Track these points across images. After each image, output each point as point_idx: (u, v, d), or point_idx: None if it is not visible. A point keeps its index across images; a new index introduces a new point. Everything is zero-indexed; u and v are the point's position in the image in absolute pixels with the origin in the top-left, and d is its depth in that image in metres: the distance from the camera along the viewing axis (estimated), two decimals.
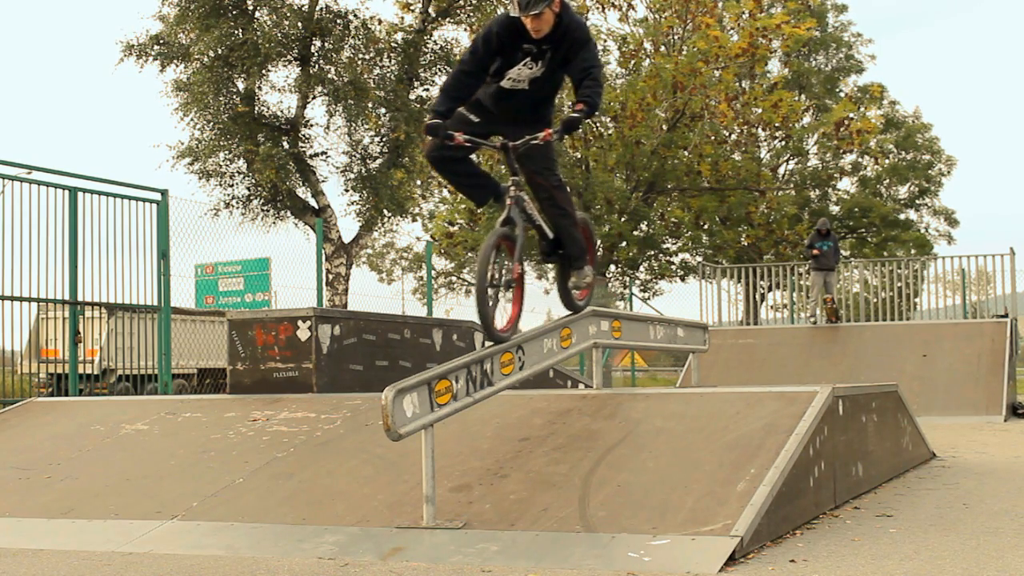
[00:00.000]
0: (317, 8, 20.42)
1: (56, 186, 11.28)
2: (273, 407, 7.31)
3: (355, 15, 20.80)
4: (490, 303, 5.67)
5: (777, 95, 30.14)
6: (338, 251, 20.74)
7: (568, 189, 6.29)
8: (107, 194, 11.82)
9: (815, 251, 18.79)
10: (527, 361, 6.15)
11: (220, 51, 19.29)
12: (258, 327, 8.06)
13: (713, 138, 30.49)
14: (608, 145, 29.89)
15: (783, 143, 36.37)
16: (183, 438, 6.98)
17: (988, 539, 5.15)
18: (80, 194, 11.48)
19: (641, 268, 34.49)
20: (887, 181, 38.78)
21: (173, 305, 12.67)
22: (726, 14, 30.46)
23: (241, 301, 19.92)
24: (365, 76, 20.73)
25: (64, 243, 11.27)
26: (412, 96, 21.04)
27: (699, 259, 33.01)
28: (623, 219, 30.06)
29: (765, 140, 35.85)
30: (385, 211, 21.50)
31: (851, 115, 31.55)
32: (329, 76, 20.41)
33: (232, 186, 20.81)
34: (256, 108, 20.50)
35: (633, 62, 30.13)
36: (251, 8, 20.08)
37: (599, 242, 30.17)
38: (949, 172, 39.19)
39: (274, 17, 19.96)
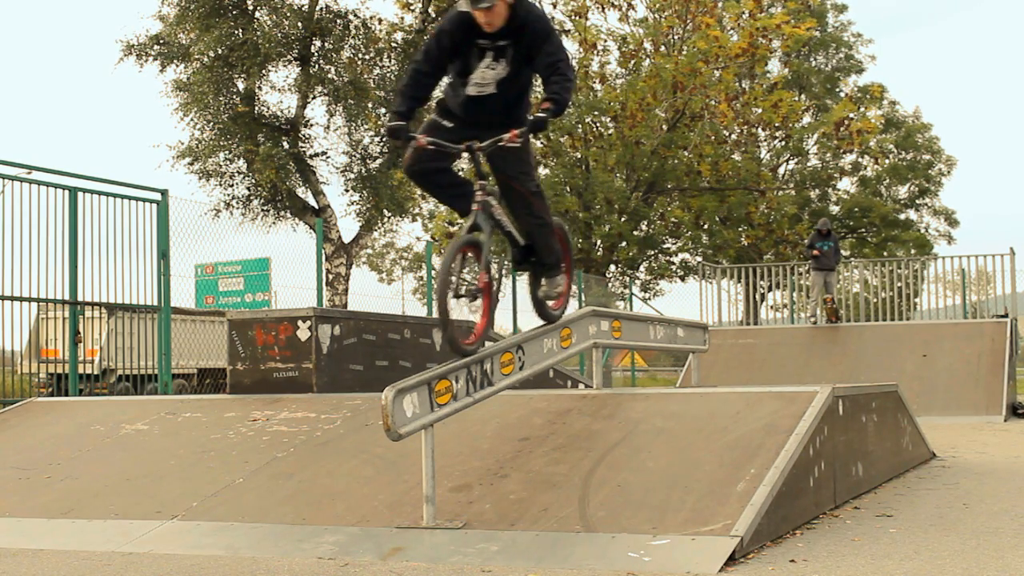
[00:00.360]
0: (317, 8, 20.44)
1: (56, 186, 11.28)
2: (273, 407, 7.30)
3: (355, 15, 20.83)
4: (452, 315, 5.34)
5: (777, 95, 30.15)
6: (338, 251, 20.76)
7: (545, 195, 5.97)
8: (107, 194, 11.82)
9: (815, 251, 18.78)
10: (527, 361, 6.14)
11: (220, 51, 19.30)
12: (258, 327, 8.06)
13: (713, 138, 30.48)
14: (608, 145, 29.89)
15: (783, 143, 36.40)
16: (183, 438, 6.98)
17: (988, 539, 5.15)
18: (80, 194, 11.48)
19: (641, 268, 34.48)
20: (887, 181, 38.85)
21: (173, 305, 12.68)
22: (726, 14, 30.46)
23: (241, 301, 19.90)
24: (365, 76, 20.75)
25: (64, 243, 11.27)
26: None
27: (699, 259, 33.00)
28: (623, 219, 30.06)
29: (765, 140, 35.87)
30: (385, 211, 21.53)
31: (851, 115, 31.55)
32: (329, 76, 20.43)
33: (232, 186, 20.84)
34: (256, 108, 20.52)
35: (633, 62, 30.13)
36: (251, 8, 20.09)
37: (599, 242, 30.18)
38: (949, 172, 39.30)
39: (274, 17, 19.97)
